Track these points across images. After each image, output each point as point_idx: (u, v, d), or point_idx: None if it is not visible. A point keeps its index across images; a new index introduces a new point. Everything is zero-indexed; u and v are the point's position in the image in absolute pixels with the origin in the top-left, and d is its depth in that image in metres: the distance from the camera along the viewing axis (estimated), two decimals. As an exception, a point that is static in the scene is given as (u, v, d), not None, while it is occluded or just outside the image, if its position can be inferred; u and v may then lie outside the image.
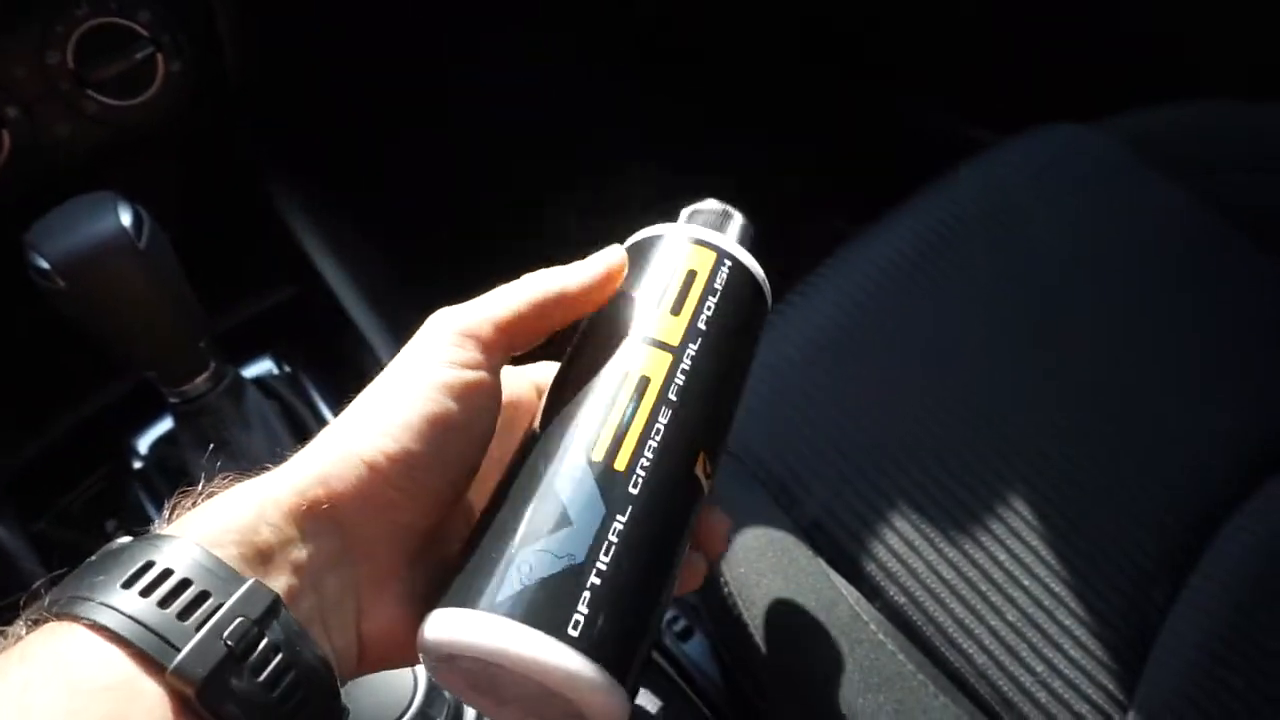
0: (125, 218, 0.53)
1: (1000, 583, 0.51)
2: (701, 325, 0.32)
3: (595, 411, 0.30)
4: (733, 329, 0.34)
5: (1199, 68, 0.88)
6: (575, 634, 0.26)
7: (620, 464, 0.28)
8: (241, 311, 0.75)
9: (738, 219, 0.38)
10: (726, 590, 0.50)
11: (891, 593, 0.50)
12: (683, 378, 0.31)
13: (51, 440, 0.67)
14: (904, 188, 0.69)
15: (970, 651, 0.48)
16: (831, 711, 0.45)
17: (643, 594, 0.28)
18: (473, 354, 0.29)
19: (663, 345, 0.31)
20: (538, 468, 0.29)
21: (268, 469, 0.27)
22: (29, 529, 0.64)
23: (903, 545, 0.51)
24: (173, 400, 0.62)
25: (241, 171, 0.80)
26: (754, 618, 0.48)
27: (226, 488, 0.27)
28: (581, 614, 0.26)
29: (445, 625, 0.26)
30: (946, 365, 0.59)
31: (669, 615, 0.74)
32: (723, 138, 1.04)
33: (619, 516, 0.28)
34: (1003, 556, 0.51)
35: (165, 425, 0.70)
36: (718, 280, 0.34)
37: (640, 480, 0.29)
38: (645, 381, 0.30)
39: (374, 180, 0.98)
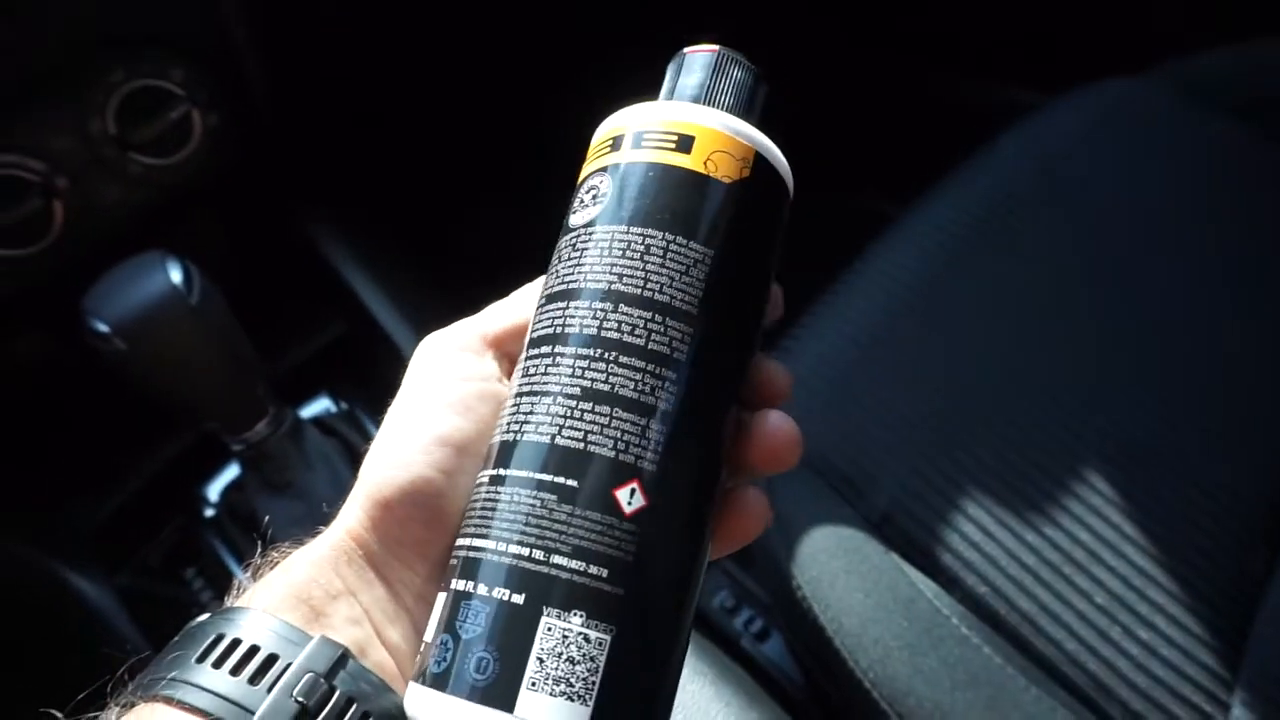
0: (175, 275, 0.54)
1: (1084, 564, 0.49)
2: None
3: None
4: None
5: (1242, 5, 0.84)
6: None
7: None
8: (295, 353, 0.77)
9: (735, 75, 0.28)
10: (800, 594, 0.49)
11: (971, 582, 0.48)
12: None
13: (125, 496, 0.69)
14: (942, 159, 0.67)
15: (1060, 638, 0.46)
16: (920, 713, 0.44)
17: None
18: (469, 366, 0.28)
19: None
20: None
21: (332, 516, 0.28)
22: (112, 583, 0.66)
23: (978, 532, 0.50)
24: (236, 448, 0.63)
25: (283, 215, 0.81)
26: (831, 620, 0.47)
27: (300, 546, 0.28)
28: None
29: (423, 707, 0.23)
30: (1010, 343, 0.57)
31: (744, 618, 0.73)
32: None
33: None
34: (1084, 536, 0.50)
35: (233, 472, 0.72)
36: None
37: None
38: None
39: (414, 211, 0.99)
